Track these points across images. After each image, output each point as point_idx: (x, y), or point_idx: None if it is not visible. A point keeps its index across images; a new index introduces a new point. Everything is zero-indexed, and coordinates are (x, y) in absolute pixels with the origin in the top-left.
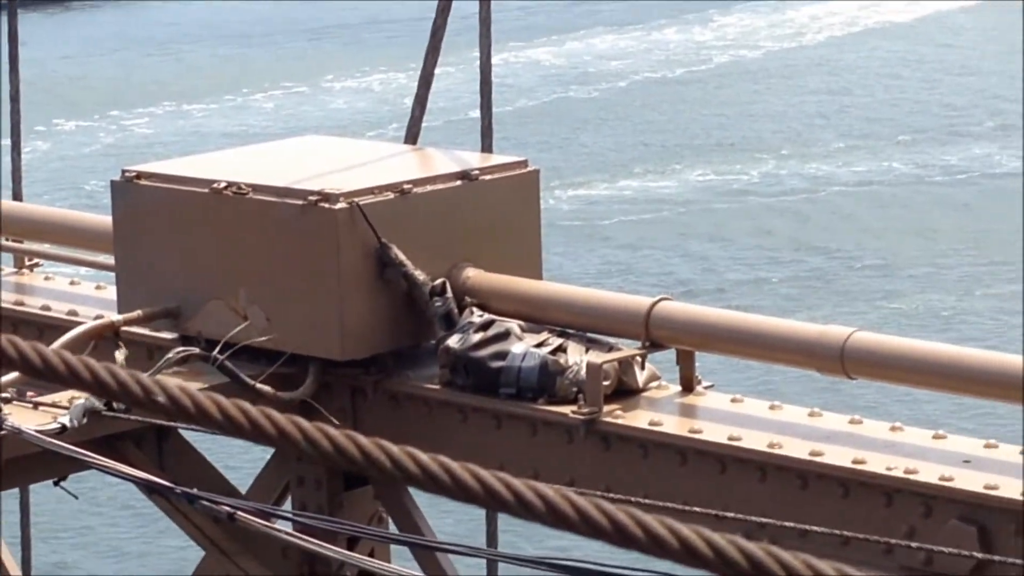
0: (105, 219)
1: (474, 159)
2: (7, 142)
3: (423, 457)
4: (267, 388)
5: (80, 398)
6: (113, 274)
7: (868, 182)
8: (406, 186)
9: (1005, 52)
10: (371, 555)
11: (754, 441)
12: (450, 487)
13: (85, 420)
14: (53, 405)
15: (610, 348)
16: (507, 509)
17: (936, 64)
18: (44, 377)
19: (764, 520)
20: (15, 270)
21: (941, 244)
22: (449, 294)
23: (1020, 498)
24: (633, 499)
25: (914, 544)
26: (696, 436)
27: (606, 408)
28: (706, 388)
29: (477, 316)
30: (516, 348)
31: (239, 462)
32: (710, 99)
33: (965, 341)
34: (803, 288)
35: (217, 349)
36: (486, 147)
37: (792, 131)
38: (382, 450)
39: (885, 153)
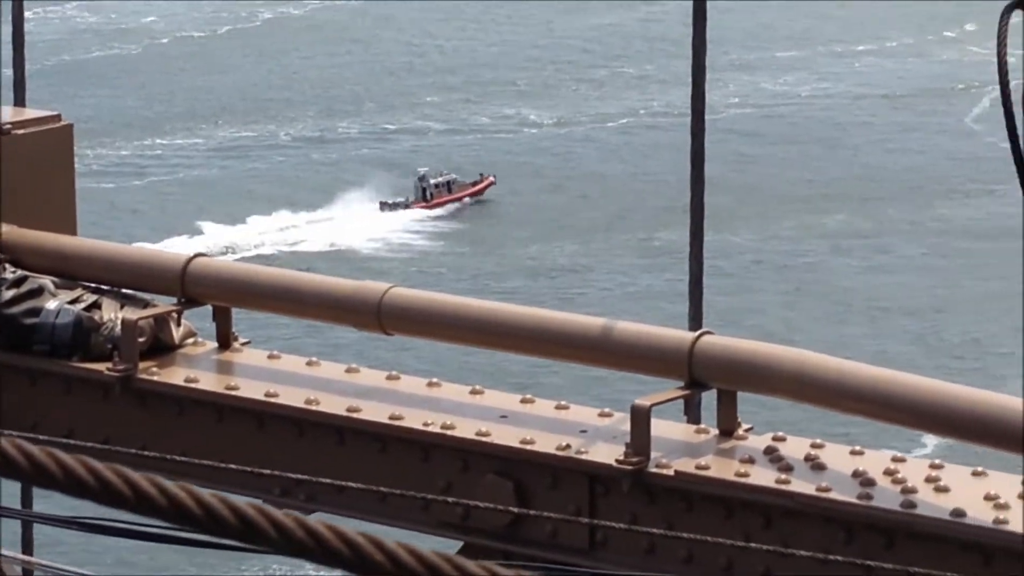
0: None
1: (6, 113)
2: None
3: None
4: None
5: None
6: None
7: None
8: None
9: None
10: None
11: (291, 397)
12: None
13: None
14: None
15: (146, 304)
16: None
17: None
18: None
19: (301, 477)
20: None
21: None
22: None
23: (555, 452)
24: (169, 456)
25: (451, 499)
26: (232, 393)
27: (142, 365)
28: (243, 344)
29: (10, 272)
30: (50, 304)
31: None
32: (251, 57)
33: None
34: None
35: None
36: (19, 101)
37: (320, 91)
38: None
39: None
